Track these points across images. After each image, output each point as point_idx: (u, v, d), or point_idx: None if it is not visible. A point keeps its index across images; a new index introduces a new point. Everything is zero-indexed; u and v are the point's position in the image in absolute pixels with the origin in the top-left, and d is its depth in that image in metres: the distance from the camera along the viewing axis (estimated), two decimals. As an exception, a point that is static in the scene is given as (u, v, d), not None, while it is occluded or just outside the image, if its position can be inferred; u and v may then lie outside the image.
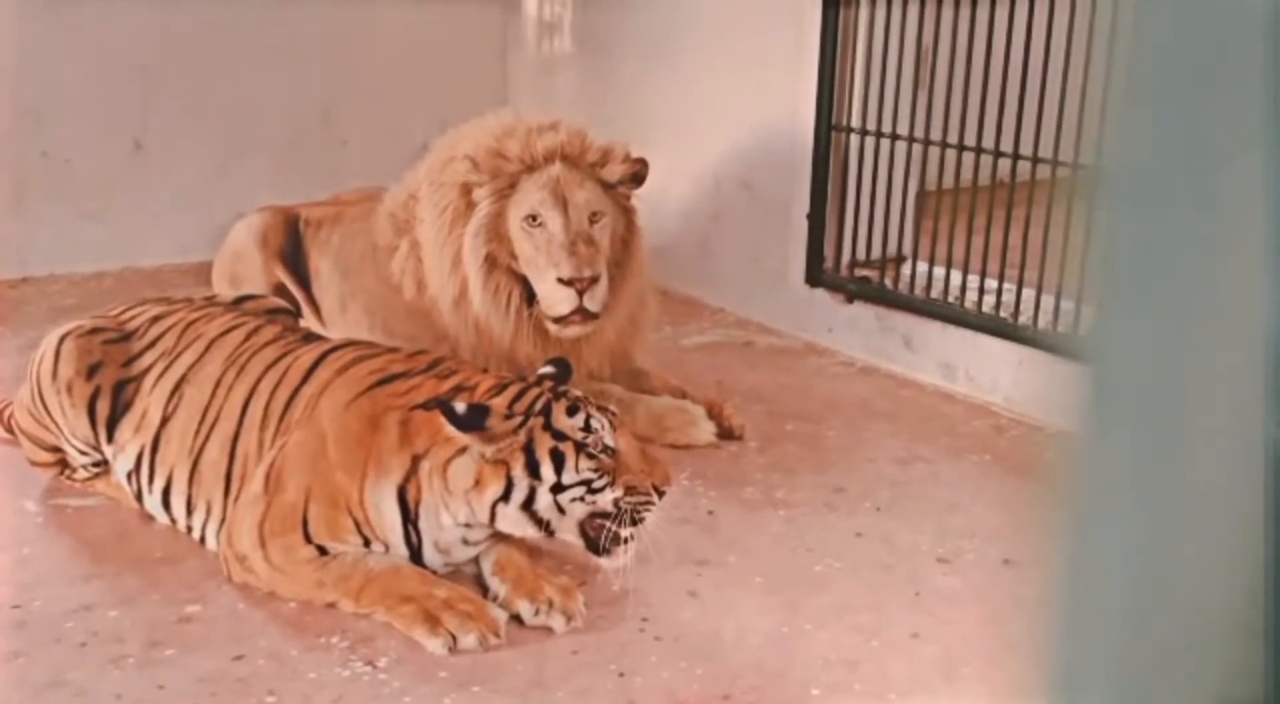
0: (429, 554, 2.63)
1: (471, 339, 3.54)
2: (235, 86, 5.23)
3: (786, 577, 2.86)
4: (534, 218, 3.41)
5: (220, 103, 5.21)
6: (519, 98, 5.61)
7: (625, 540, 2.54)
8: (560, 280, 3.37)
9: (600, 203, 3.48)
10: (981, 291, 3.96)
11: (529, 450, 2.48)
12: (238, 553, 2.64)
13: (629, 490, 2.53)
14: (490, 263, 3.48)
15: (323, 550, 2.58)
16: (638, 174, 3.58)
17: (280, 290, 4.02)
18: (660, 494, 2.56)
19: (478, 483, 2.49)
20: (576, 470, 2.50)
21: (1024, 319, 3.81)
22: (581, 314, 3.41)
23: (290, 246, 4.12)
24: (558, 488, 2.50)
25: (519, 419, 2.49)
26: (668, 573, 2.81)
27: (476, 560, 2.71)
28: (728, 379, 4.18)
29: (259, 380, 2.83)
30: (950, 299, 4.07)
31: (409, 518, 2.57)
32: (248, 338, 2.97)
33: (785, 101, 4.49)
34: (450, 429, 2.45)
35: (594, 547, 2.57)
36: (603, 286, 3.42)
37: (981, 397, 3.98)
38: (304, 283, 4.10)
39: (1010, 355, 3.86)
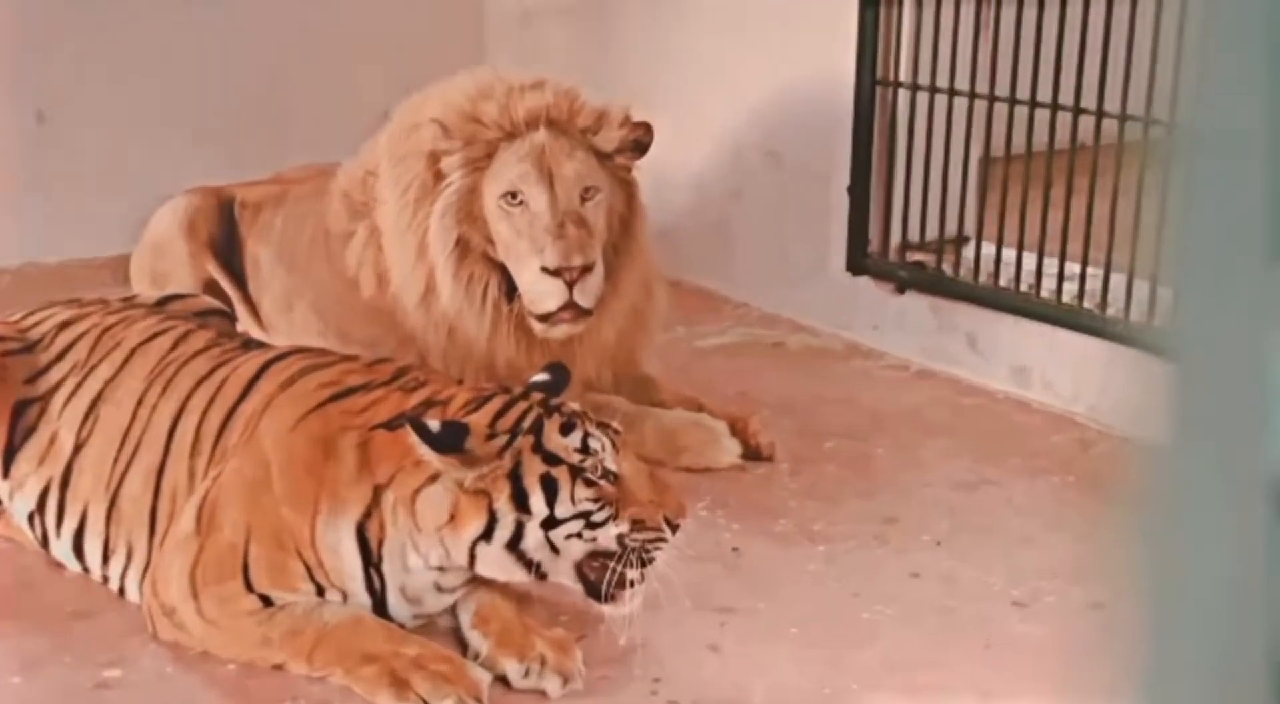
0: (396, 603, 2.63)
1: (441, 343, 3.56)
2: (159, 43, 5.24)
3: (828, 626, 2.86)
4: (513, 195, 3.42)
5: (140, 63, 5.22)
6: (498, 55, 5.62)
7: (632, 583, 2.54)
8: (545, 270, 3.37)
9: (594, 176, 3.49)
10: (1061, 278, 3.95)
11: (515, 478, 2.48)
12: (165, 605, 2.64)
13: (636, 525, 2.52)
14: (462, 248, 3.49)
15: (267, 601, 2.59)
16: (639, 141, 3.58)
17: (212, 288, 4.03)
18: (673, 528, 2.56)
19: (453, 518, 2.49)
20: (573, 501, 2.50)
21: (1113, 311, 3.81)
22: (572, 310, 3.40)
23: (223, 235, 4.13)
24: (550, 522, 2.50)
25: (503, 439, 2.49)
26: (684, 623, 2.81)
27: (453, 610, 2.72)
28: (753, 388, 4.18)
29: (189, 397, 2.84)
30: (1023, 288, 4.06)
31: (371, 560, 2.58)
32: (175, 346, 2.98)
33: (820, 51, 4.49)
34: (422, 451, 2.45)
35: (595, 592, 2.57)
36: (597, 276, 3.42)
37: (1062, 405, 3.98)
38: (240, 278, 4.11)
39: (1096, 355, 3.86)
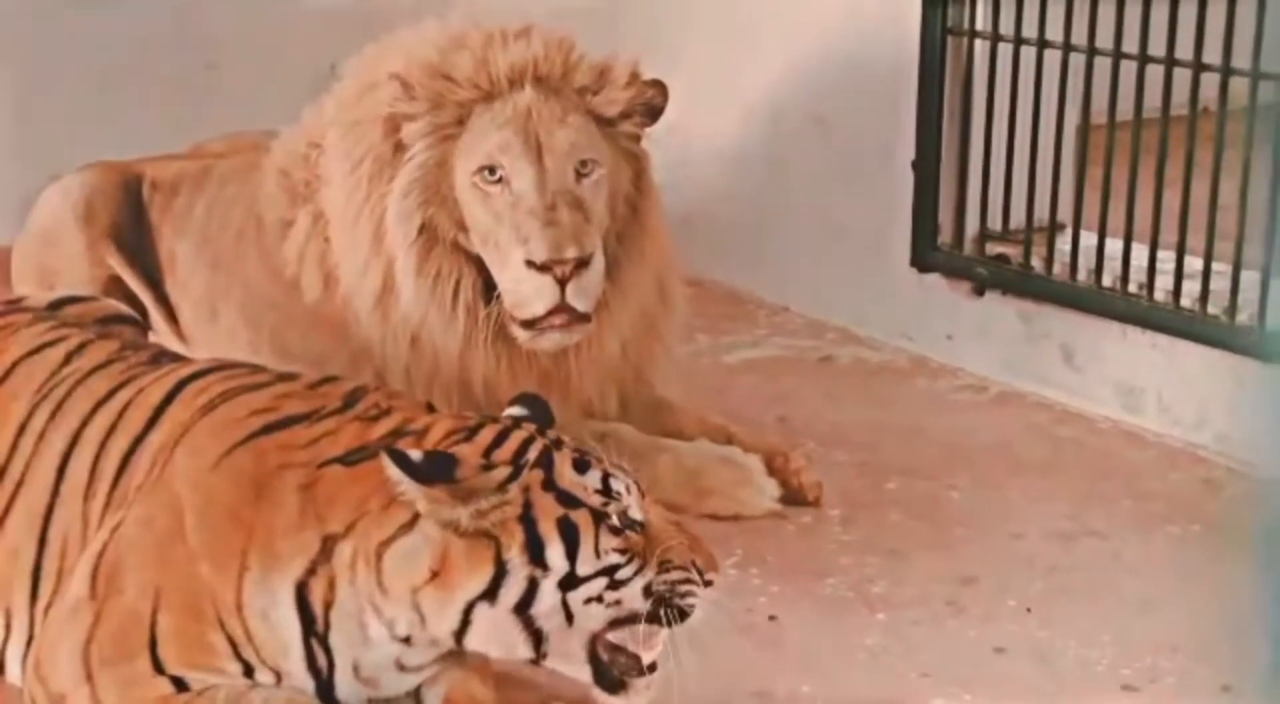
0: (345, 685, 2.60)
1: (403, 356, 3.55)
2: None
3: (891, 715, 2.85)
4: (492, 170, 3.42)
5: (18, 5, 5.23)
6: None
7: (648, 670, 2.53)
8: (531, 264, 3.36)
9: (592, 146, 3.49)
10: (1179, 277, 3.94)
11: (528, 521, 2.47)
12: (53, 692, 2.61)
13: (663, 566, 2.51)
14: (427, 237, 3.49)
15: (181, 685, 2.55)
16: (650, 104, 3.58)
17: (115, 288, 4.03)
18: (706, 583, 2.55)
19: (437, 573, 2.47)
20: (597, 554, 2.47)
21: (1244, 317, 3.80)
22: (565, 314, 3.40)
23: (129, 222, 4.14)
24: (570, 581, 2.47)
25: (505, 470, 2.48)
26: (710, 710, 2.79)
27: (417, 694, 2.69)
28: (795, 414, 4.18)
29: (83, 425, 2.82)
30: (1132, 288, 4.05)
31: (313, 629, 2.56)
32: (67, 361, 2.97)
33: (877, -7, 4.50)
34: (401, 486, 2.44)
35: (606, 679, 2.54)
36: (596, 273, 3.41)
37: (1183, 436, 3.97)
38: (151, 276, 4.11)
39: (1225, 372, 3.85)
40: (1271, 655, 2.18)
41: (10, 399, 2.93)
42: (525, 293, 3.39)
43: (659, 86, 3.59)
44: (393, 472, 2.42)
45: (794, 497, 3.62)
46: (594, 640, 2.52)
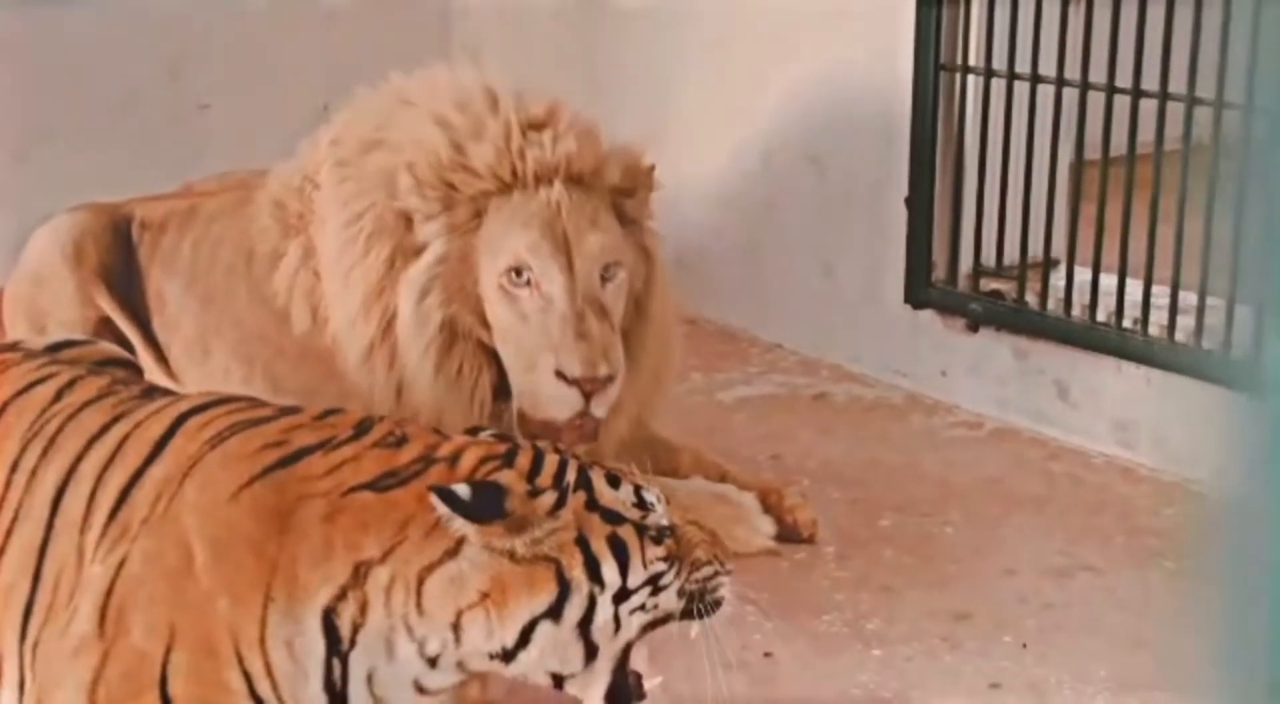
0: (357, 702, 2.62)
1: (390, 406, 3.52)
2: (37, 23, 5.26)
3: (886, 750, 2.89)
4: (519, 271, 3.39)
5: (15, 49, 5.24)
6: (466, 36, 5.65)
7: (709, 606, 2.59)
8: (561, 376, 3.35)
9: (618, 249, 3.47)
10: (1173, 312, 3.98)
11: (583, 542, 2.53)
12: None
13: (693, 566, 2.59)
14: (448, 333, 3.47)
15: None
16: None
17: (105, 328, 4.03)
18: (728, 572, 2.64)
19: (487, 596, 2.50)
20: (644, 565, 2.56)
21: (1239, 352, 3.83)
22: (584, 422, 3.38)
23: (118, 262, 4.13)
24: (622, 595, 2.54)
25: (552, 495, 2.54)
26: (705, 747, 2.82)
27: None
28: (789, 452, 4.21)
29: (78, 460, 2.82)
30: (1126, 323, 4.09)
31: (338, 650, 2.57)
32: (58, 397, 2.98)
33: (870, 31, 4.54)
34: (455, 525, 2.48)
35: (621, 695, 2.58)
36: (619, 383, 3.39)
37: (1177, 472, 4.00)
38: (140, 316, 4.11)
39: (1219, 409, 3.85)
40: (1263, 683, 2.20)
41: (2, 438, 2.93)
42: (549, 399, 3.37)
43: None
44: (443, 511, 2.46)
45: (789, 534, 3.66)
46: (626, 650, 2.58)
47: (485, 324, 3.46)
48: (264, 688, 2.56)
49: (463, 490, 2.47)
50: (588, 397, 3.35)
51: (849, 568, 3.58)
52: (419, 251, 3.47)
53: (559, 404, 3.37)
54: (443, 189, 3.42)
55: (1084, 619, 3.35)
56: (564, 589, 2.51)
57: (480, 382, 3.50)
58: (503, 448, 2.64)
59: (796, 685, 3.10)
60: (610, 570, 2.52)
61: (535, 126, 3.48)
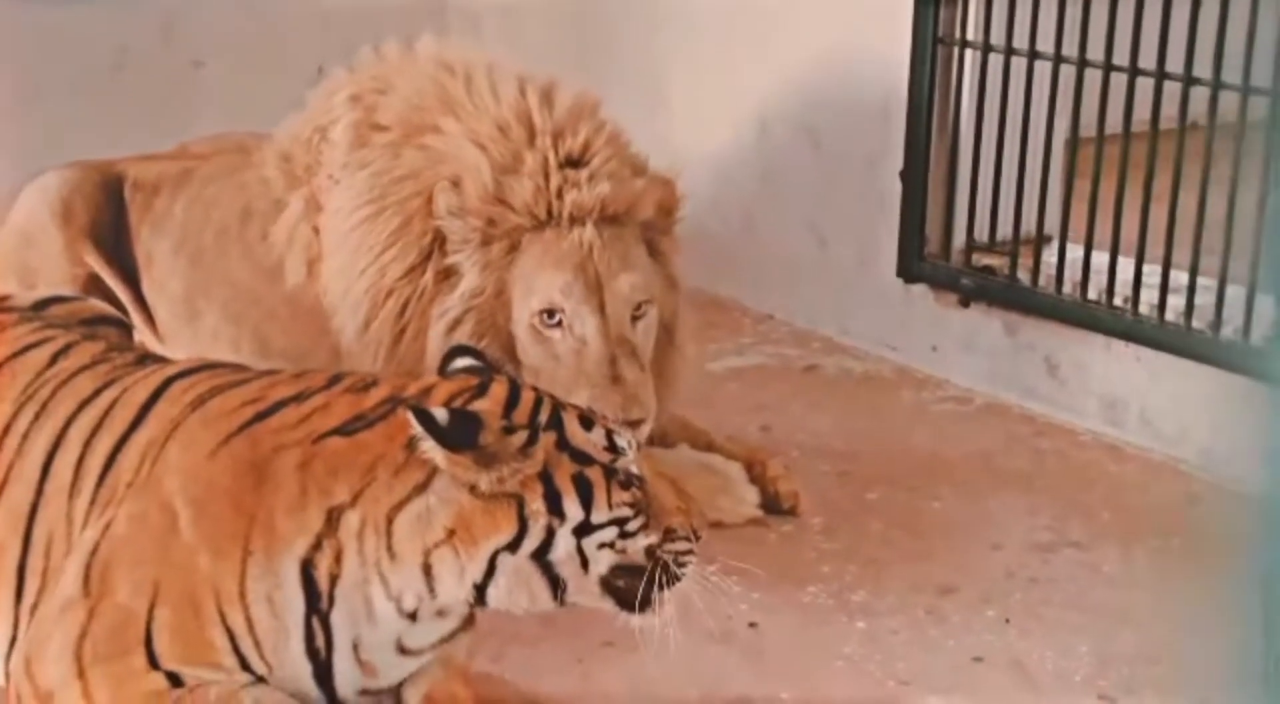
0: (344, 671, 2.64)
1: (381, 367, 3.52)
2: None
3: (868, 721, 2.90)
4: (551, 312, 3.40)
5: (6, 7, 5.20)
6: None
7: (673, 577, 2.59)
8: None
9: (648, 287, 3.46)
10: (1164, 291, 3.99)
11: (546, 478, 2.55)
12: (41, 689, 2.63)
13: (668, 534, 2.61)
14: None
15: (175, 679, 2.58)
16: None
17: (94, 286, 4.04)
18: (697, 538, 2.65)
19: (453, 532, 2.53)
20: (609, 505, 2.57)
21: (1229, 331, 3.85)
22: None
23: (108, 221, 4.12)
24: (584, 528, 2.56)
25: (524, 434, 2.55)
26: (689, 717, 2.85)
27: (397, 692, 2.73)
28: (778, 423, 4.22)
29: (67, 424, 2.84)
30: (1117, 301, 4.11)
31: (317, 608, 2.60)
32: (52, 362, 2.99)
33: (869, 5, 4.54)
34: (425, 447, 2.49)
35: (628, 601, 2.61)
36: (648, 428, 3.39)
37: (1164, 449, 4.02)
38: (130, 275, 4.12)
39: (1208, 387, 3.89)
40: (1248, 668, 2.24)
41: (-8, 402, 2.94)
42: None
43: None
44: (417, 430, 2.47)
45: (774, 505, 3.67)
46: (604, 582, 2.60)
47: (514, 358, 3.44)
48: (247, 645, 2.58)
49: (440, 414, 2.48)
50: None
51: (836, 540, 3.58)
52: (448, 274, 3.47)
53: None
54: (483, 221, 3.40)
55: (1069, 595, 3.36)
56: (523, 523, 2.53)
57: None
58: (474, 382, 2.65)
59: (781, 657, 3.10)
60: (572, 504, 2.55)
61: (572, 163, 3.47)
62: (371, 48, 3.82)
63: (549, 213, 3.41)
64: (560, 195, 3.41)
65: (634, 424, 3.27)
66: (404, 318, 3.51)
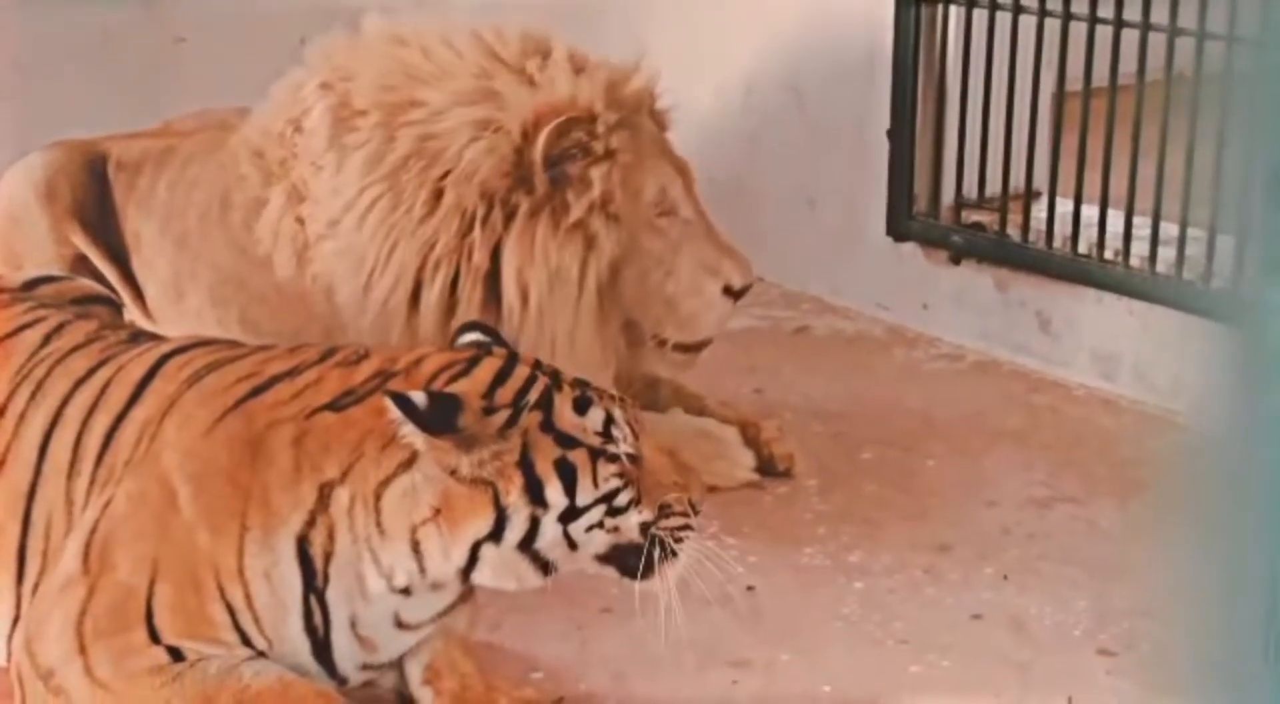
0: (343, 646, 2.66)
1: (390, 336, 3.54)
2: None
3: (867, 684, 2.90)
4: (658, 202, 3.51)
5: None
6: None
7: (670, 553, 2.60)
8: (729, 290, 3.55)
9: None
10: (1154, 243, 4.01)
11: (526, 465, 2.54)
12: (41, 667, 2.65)
13: (662, 510, 2.60)
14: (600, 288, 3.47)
15: (176, 654, 2.60)
16: None
17: (81, 267, 4.02)
18: (695, 512, 2.65)
19: (439, 511, 2.54)
20: (595, 484, 2.57)
21: (1220, 282, 3.85)
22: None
23: (93, 201, 4.11)
24: (570, 514, 2.56)
25: (504, 414, 2.54)
26: (688, 680, 2.86)
27: (399, 664, 2.76)
28: (771, 385, 4.24)
29: (64, 404, 2.86)
30: (1108, 255, 4.12)
31: (313, 585, 2.62)
32: (46, 342, 3.01)
33: (850, -40, 4.54)
34: (404, 431, 2.50)
35: (632, 570, 2.62)
36: None
37: (1158, 403, 4.04)
38: (118, 255, 4.10)
39: (1201, 338, 3.88)
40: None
41: (-14, 383, 2.95)
42: (713, 317, 3.58)
43: None
44: (395, 415, 2.47)
45: (769, 467, 3.69)
46: (600, 558, 2.61)
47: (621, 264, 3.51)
48: (246, 621, 2.60)
49: (419, 398, 2.47)
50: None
51: (831, 501, 3.61)
52: (512, 214, 3.47)
53: (720, 318, 3.59)
54: (584, 132, 3.43)
55: (1065, 550, 3.38)
56: (500, 514, 2.53)
57: (616, 332, 3.59)
58: (469, 357, 2.65)
59: (779, 618, 3.12)
60: (554, 492, 2.54)
61: (610, 65, 3.57)
62: (317, 39, 3.80)
63: (620, 108, 3.47)
64: (622, 89, 3.49)
65: (746, 291, 3.54)
66: (457, 285, 3.54)
